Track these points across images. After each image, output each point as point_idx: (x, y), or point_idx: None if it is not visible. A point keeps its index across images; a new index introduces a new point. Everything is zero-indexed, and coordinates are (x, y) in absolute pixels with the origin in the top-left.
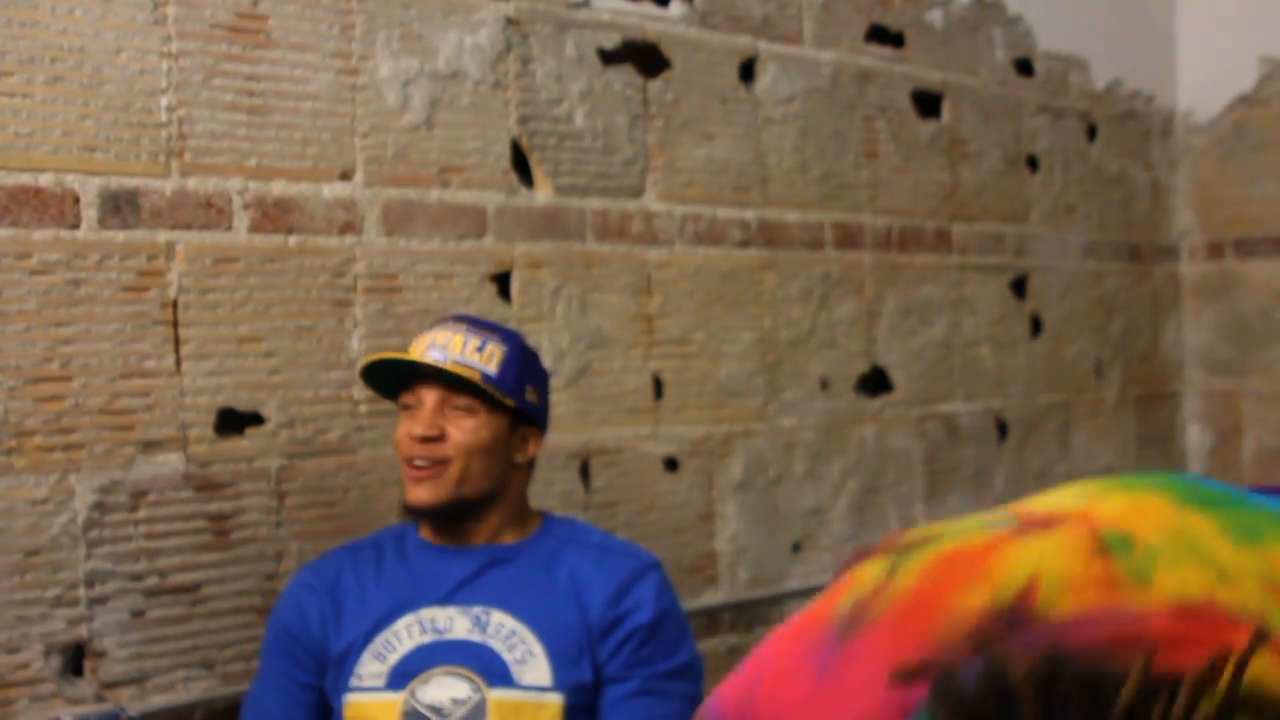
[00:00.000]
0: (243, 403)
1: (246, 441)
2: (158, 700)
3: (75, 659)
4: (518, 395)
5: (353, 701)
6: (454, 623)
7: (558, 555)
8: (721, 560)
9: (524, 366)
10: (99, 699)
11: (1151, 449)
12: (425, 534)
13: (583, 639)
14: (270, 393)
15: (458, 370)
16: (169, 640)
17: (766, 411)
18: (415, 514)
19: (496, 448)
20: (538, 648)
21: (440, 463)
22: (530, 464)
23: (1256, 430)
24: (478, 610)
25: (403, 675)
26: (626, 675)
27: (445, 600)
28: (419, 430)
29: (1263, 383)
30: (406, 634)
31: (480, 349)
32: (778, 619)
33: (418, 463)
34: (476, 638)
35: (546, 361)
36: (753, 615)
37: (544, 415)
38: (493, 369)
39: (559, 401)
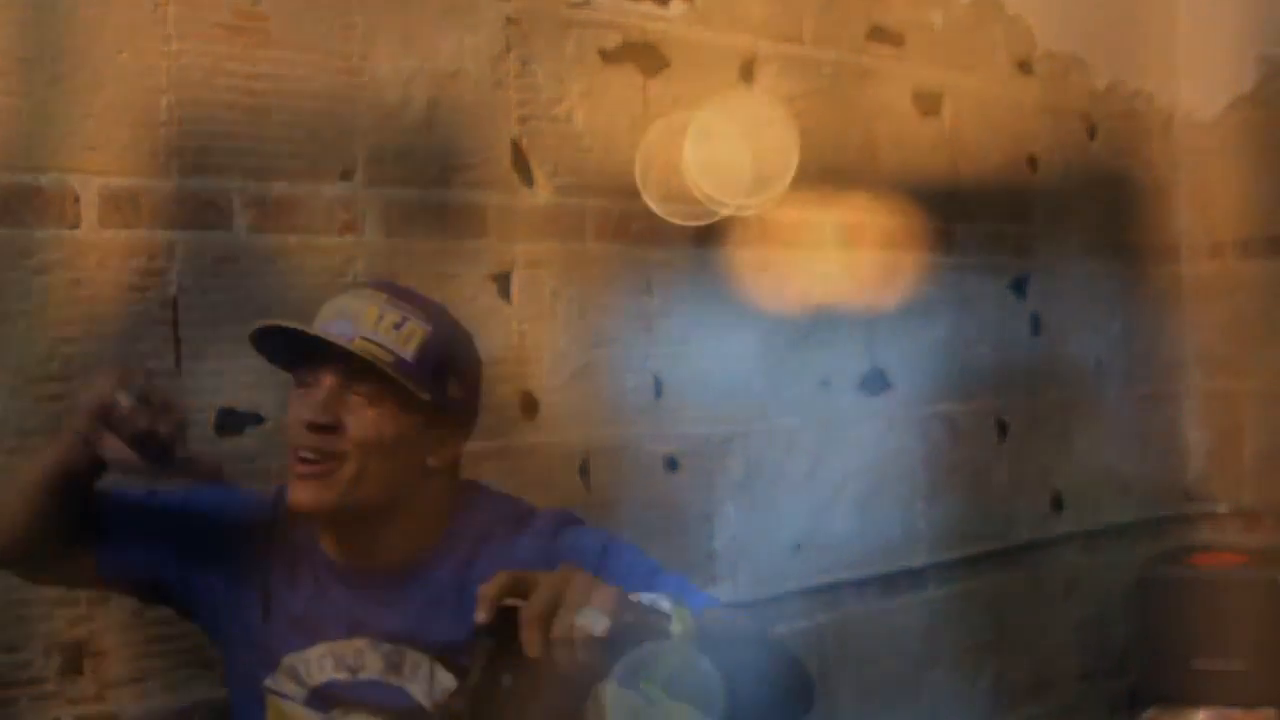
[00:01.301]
0: (243, 403)
1: (246, 441)
2: (158, 700)
3: (75, 659)
4: (436, 388)
5: (277, 704)
6: (364, 659)
7: (472, 569)
8: (721, 560)
9: (449, 353)
10: (99, 699)
11: (1151, 449)
12: (327, 546)
13: None
14: (270, 393)
15: (363, 350)
16: (169, 640)
17: (766, 411)
18: (295, 517)
19: (403, 447)
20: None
21: (332, 458)
22: (451, 469)
23: (1256, 430)
24: (389, 648)
25: (321, 699)
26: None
27: (350, 634)
28: (309, 415)
29: (1263, 383)
30: (318, 666)
31: (398, 326)
32: (777, 619)
33: (305, 454)
34: (393, 680)
35: (545, 362)
36: (752, 615)
37: (469, 412)
38: (409, 353)
39: (559, 402)
